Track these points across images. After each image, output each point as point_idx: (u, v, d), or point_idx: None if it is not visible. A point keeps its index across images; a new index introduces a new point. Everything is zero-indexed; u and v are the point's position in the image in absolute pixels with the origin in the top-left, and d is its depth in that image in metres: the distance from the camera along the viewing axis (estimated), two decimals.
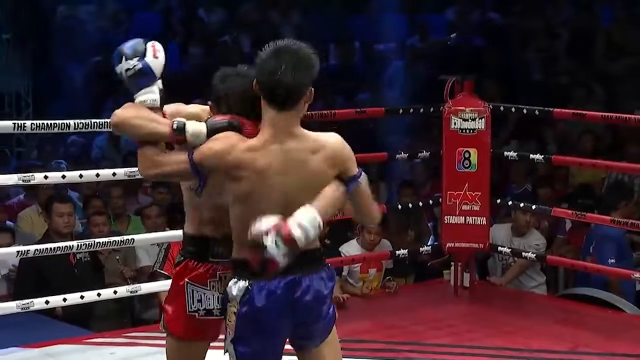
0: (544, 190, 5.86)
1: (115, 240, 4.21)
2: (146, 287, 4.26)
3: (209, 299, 2.53)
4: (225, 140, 2.35)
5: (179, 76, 9.24)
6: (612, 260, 5.00)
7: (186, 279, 2.52)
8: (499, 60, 8.23)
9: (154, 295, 4.55)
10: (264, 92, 2.35)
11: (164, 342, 4.11)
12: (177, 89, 10.12)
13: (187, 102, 9.43)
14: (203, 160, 2.35)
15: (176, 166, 2.39)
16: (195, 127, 2.37)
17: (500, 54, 8.41)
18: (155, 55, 2.45)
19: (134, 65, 2.42)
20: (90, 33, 9.46)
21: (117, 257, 5.01)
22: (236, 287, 2.36)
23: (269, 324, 2.37)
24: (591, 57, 8.11)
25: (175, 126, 2.37)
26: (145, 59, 2.44)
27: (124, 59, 2.43)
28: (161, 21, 10.12)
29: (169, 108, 2.51)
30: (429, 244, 5.44)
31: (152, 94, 2.44)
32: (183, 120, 2.40)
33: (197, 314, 2.53)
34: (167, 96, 9.27)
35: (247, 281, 2.35)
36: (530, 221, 5.26)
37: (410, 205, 5.13)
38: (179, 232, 4.49)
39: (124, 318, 4.89)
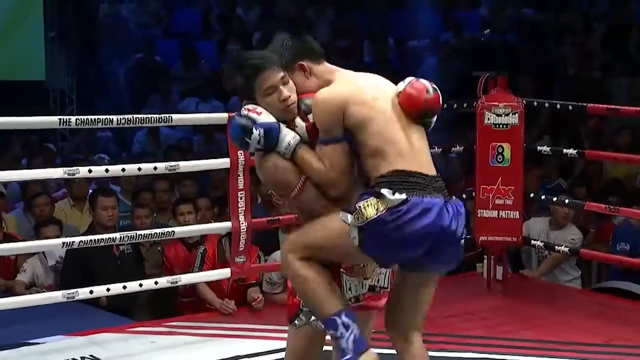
0: (580, 188, 5.79)
1: (156, 233, 4.25)
2: (186, 278, 4.30)
3: (356, 285, 2.59)
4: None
5: (218, 73, 9.31)
6: None
7: (341, 270, 2.57)
8: (533, 56, 8.15)
9: (193, 287, 4.59)
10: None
11: (202, 331, 4.22)
12: (216, 85, 10.22)
13: (226, 97, 9.34)
14: None
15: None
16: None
17: (534, 49, 8.33)
18: (256, 111, 2.55)
19: (259, 134, 2.51)
20: (132, 30, 9.55)
21: (159, 248, 5.07)
22: (394, 195, 2.43)
23: (410, 238, 2.44)
24: (627, 51, 8.00)
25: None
26: (257, 121, 2.53)
27: (248, 139, 2.53)
28: (200, 18, 10.17)
29: None
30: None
31: (286, 136, 2.53)
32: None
33: (350, 302, 2.58)
34: (209, 92, 9.26)
35: (404, 194, 2.43)
36: (569, 214, 5.22)
37: None
38: (219, 225, 4.56)
39: (165, 308, 4.93)
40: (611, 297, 4.85)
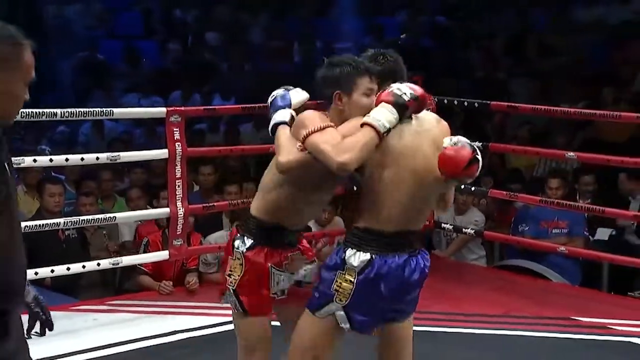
0: (486, 178, 5.90)
1: (99, 218, 4.19)
2: (127, 260, 4.25)
3: (283, 280, 2.52)
4: None
5: (159, 70, 9.20)
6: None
7: (269, 264, 2.49)
8: (445, 58, 8.28)
9: (134, 268, 4.55)
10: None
11: (141, 308, 4.18)
12: (158, 82, 10.07)
13: (167, 94, 9.24)
14: None
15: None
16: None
17: (445, 53, 8.47)
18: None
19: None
20: (77, 31, 9.35)
21: (104, 232, 5.01)
22: (357, 258, 2.33)
23: (386, 294, 2.33)
24: (526, 55, 8.19)
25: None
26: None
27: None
28: (141, 20, 10.03)
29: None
30: None
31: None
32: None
33: (276, 296, 2.52)
34: (149, 89, 9.10)
35: (369, 253, 2.33)
36: (467, 201, 5.34)
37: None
38: (157, 211, 4.53)
39: (107, 288, 4.87)
40: (511, 273, 4.98)
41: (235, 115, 7.26)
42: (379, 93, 2.38)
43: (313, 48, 9.15)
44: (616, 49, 7.56)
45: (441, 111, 4.89)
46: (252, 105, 4.82)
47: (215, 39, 9.56)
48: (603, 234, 5.27)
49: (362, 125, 2.29)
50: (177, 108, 4.44)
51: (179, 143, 4.22)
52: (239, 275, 2.49)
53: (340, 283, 2.35)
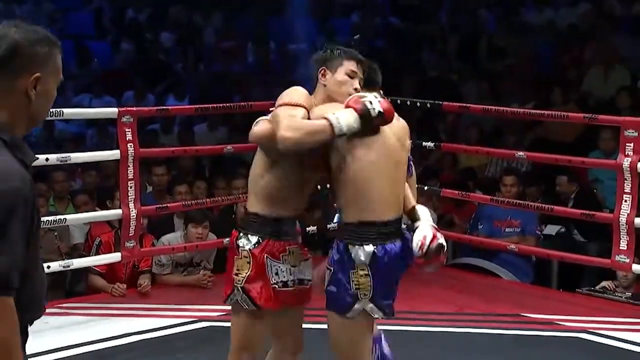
0: (435, 177, 5.95)
1: (49, 220, 4.11)
2: (78, 262, 4.18)
3: (282, 271, 2.53)
4: None
5: (111, 71, 9.07)
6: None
7: (264, 254, 2.52)
8: (398, 60, 8.33)
9: (84, 270, 4.47)
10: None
11: (92, 311, 4.12)
12: (109, 82, 9.89)
13: (120, 95, 9.12)
14: None
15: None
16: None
17: (398, 54, 8.51)
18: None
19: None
20: None
21: (56, 234, 4.91)
22: (362, 252, 2.40)
23: (394, 277, 2.46)
24: (477, 57, 8.29)
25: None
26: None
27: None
28: (93, 20, 9.87)
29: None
30: (335, 221, 5.46)
31: None
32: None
33: (277, 287, 2.52)
34: (101, 89, 8.98)
35: (370, 245, 2.40)
36: (419, 200, 5.34)
37: (318, 187, 5.14)
38: (109, 212, 4.45)
39: (57, 291, 4.77)
40: (464, 272, 5.03)
41: (189, 116, 7.20)
42: (351, 97, 2.44)
43: (266, 48, 9.12)
44: (564, 51, 7.70)
45: (396, 111, 4.96)
46: (206, 105, 4.78)
47: (169, 39, 9.46)
48: (551, 229, 5.36)
49: (324, 117, 2.38)
50: (129, 108, 4.38)
51: (131, 144, 4.17)
52: (246, 273, 2.51)
53: (357, 280, 2.42)
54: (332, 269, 2.47)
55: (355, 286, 2.42)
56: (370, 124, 2.39)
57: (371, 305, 2.43)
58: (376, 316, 2.47)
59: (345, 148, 2.41)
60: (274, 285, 2.53)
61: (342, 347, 2.49)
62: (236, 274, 2.53)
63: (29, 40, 1.58)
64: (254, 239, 2.52)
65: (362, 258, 2.41)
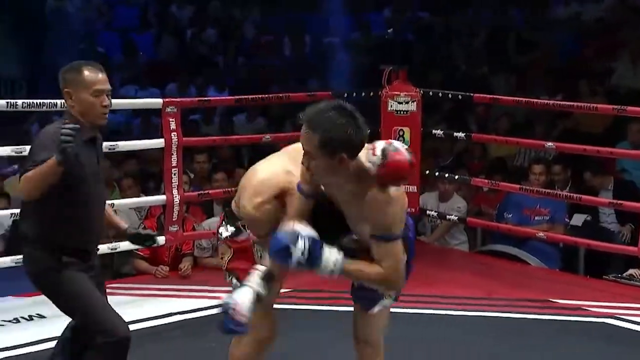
0: (469, 166, 5.88)
1: None
2: (124, 246, 4.20)
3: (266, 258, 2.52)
4: None
5: (154, 62, 9.11)
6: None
7: (252, 240, 2.55)
8: (429, 53, 8.24)
9: (130, 253, 4.49)
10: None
11: (138, 292, 4.14)
12: (153, 73, 9.91)
13: (163, 85, 9.09)
14: None
15: None
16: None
17: (429, 48, 8.42)
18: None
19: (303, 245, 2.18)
20: (76, 24, 9.26)
21: None
22: None
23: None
24: (506, 51, 8.16)
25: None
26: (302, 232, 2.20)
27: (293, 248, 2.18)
28: (138, 14, 9.93)
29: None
30: None
31: (330, 256, 2.25)
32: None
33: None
34: (146, 80, 8.97)
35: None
36: (449, 189, 5.31)
37: None
38: (154, 198, 4.47)
39: (105, 272, 4.81)
40: (492, 258, 4.96)
41: (229, 107, 7.20)
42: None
43: (302, 42, 9.08)
44: (590, 44, 7.56)
45: (432, 105, 4.92)
46: (245, 96, 4.77)
47: (212, 34, 9.48)
48: (578, 220, 5.26)
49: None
50: (173, 99, 4.38)
51: (174, 133, 4.18)
52: (229, 257, 2.62)
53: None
54: None
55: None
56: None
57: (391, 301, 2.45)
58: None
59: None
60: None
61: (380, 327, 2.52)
62: (221, 258, 2.65)
63: None
64: (230, 229, 2.58)
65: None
